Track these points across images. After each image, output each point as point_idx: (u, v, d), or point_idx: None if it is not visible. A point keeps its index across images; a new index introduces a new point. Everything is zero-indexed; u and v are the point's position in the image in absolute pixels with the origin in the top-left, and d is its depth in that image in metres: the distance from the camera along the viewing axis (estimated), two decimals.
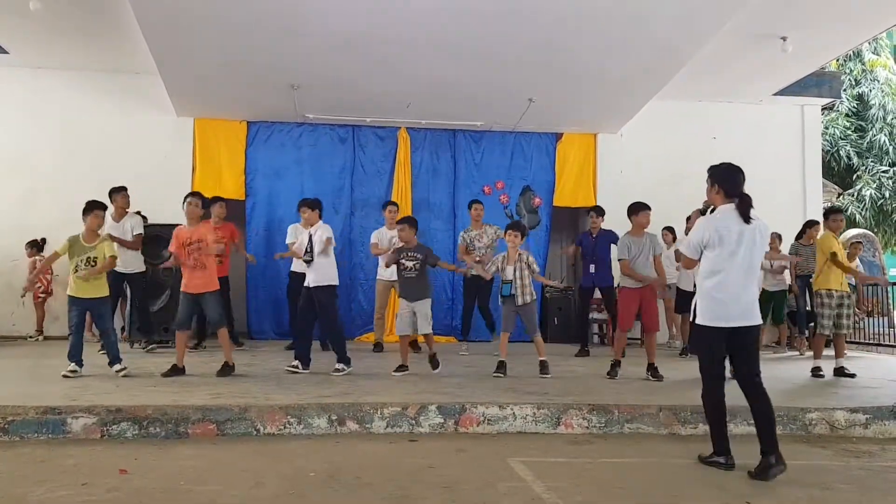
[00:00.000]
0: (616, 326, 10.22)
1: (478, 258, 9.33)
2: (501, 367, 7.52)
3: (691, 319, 4.77)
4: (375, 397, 5.79)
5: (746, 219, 4.52)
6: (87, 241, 7.06)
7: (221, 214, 9.69)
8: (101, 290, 7.12)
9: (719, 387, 4.60)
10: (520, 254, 7.66)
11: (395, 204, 10.31)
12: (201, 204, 7.60)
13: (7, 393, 5.74)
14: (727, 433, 4.61)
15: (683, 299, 10.27)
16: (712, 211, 4.80)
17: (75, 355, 6.90)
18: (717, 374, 4.63)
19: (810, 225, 10.63)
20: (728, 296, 4.52)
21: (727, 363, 4.67)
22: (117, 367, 6.99)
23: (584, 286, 10.12)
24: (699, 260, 4.70)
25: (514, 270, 7.57)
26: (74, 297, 6.98)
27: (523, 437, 5.48)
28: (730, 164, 4.72)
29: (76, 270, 6.96)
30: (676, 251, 10.01)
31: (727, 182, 4.65)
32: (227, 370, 7.12)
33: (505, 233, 7.85)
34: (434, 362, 7.60)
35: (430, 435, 5.43)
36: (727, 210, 4.60)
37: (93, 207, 7.16)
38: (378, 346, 9.90)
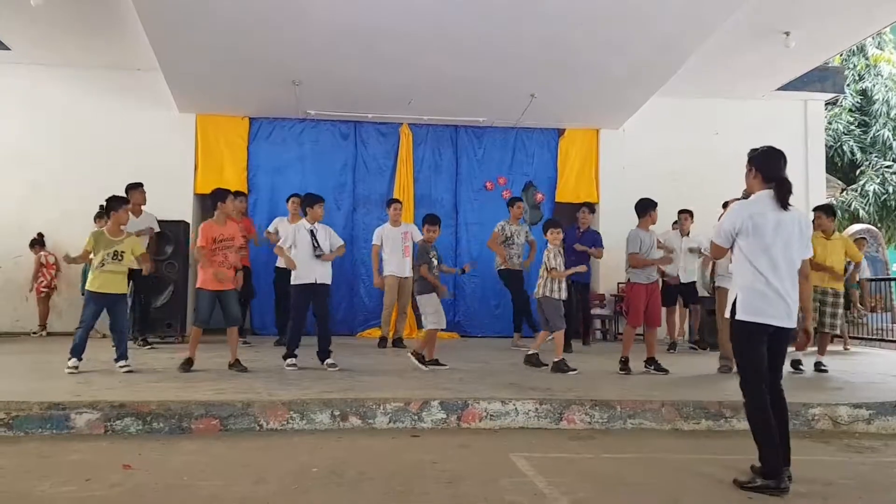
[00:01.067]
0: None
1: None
2: (566, 363, 7.52)
3: (729, 315, 4.26)
4: (378, 393, 5.80)
5: (784, 205, 4.15)
6: (112, 235, 7.08)
7: (242, 209, 9.83)
8: (122, 286, 7.15)
9: (766, 395, 4.11)
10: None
11: (399, 202, 10.36)
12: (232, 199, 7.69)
13: (11, 388, 5.76)
14: (778, 450, 4.03)
15: (669, 291, 10.27)
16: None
17: (79, 351, 6.91)
18: (762, 378, 4.14)
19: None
20: (772, 291, 4.11)
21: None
22: (123, 363, 6.99)
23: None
24: (730, 249, 4.32)
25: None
26: (97, 293, 6.96)
27: (526, 432, 5.48)
28: (770, 147, 4.37)
29: (102, 265, 6.95)
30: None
31: (765, 166, 4.28)
32: (241, 367, 7.17)
33: (546, 231, 7.89)
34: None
35: (432, 430, 5.44)
36: (763, 196, 4.23)
37: (122, 203, 7.23)
38: (383, 342, 9.89)
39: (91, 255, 7.02)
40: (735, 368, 7.63)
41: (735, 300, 4.22)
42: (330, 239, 7.67)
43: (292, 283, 7.56)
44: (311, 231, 7.52)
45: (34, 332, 10.97)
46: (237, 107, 11.67)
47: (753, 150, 4.40)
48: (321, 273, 7.51)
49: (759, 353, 4.15)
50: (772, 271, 4.12)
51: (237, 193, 10.14)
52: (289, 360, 7.39)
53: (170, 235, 9.85)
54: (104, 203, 7.40)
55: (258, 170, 12.04)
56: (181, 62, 9.84)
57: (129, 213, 7.57)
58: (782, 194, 4.17)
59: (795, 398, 5.98)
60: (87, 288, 7.03)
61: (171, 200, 10.88)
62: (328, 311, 7.74)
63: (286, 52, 9.38)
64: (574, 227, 10.19)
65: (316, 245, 7.46)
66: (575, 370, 7.41)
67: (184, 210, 11.20)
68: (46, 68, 11.51)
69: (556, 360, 7.55)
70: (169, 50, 9.40)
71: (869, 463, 4.79)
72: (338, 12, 8.34)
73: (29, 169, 11.38)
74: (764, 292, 4.12)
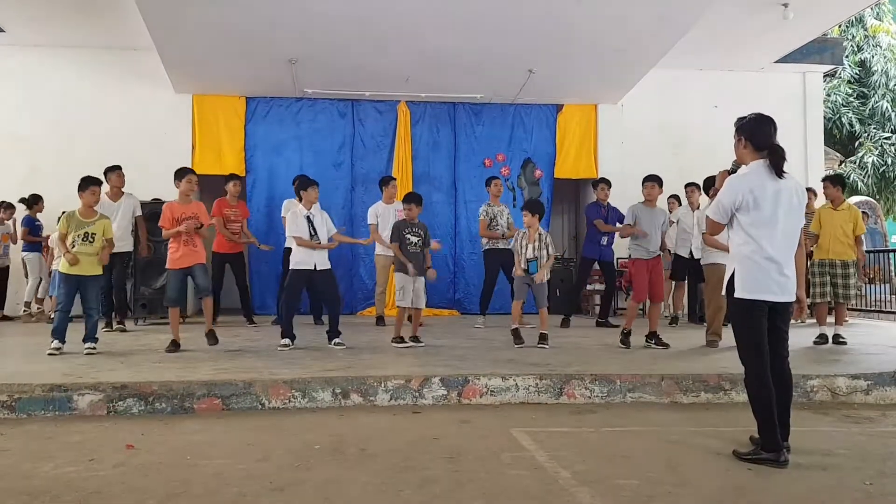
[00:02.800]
0: (610, 297, 10.37)
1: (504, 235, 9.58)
2: (518, 334, 7.63)
3: (725, 293, 4.22)
4: (379, 370, 5.83)
5: (779, 173, 4.02)
6: (84, 216, 7.08)
7: (236, 192, 9.81)
8: (95, 268, 7.11)
9: (767, 371, 4.03)
10: (539, 233, 7.71)
11: (395, 179, 10.35)
12: (196, 181, 7.64)
13: (13, 370, 5.79)
14: (777, 424, 3.98)
15: (679, 266, 10.24)
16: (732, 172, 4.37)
17: (60, 333, 6.90)
18: (762, 352, 4.05)
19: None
20: (772, 265, 4.03)
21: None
22: (89, 345, 6.98)
23: (589, 257, 10.09)
24: (727, 226, 4.20)
25: (536, 249, 7.62)
26: (67, 275, 6.96)
27: (526, 407, 5.51)
28: (758, 115, 4.19)
29: (73, 246, 6.95)
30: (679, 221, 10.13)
31: (755, 134, 4.12)
32: (213, 338, 7.22)
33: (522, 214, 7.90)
34: (417, 339, 7.64)
35: (433, 407, 5.47)
36: (758, 166, 4.08)
37: (88, 184, 7.18)
38: (380, 321, 9.95)
39: (63, 234, 7.02)
40: (720, 343, 7.75)
41: (732, 275, 4.15)
42: (326, 225, 7.65)
43: (290, 266, 7.56)
44: (308, 217, 7.51)
45: (31, 314, 10.94)
46: (234, 86, 11.61)
47: (741, 119, 4.25)
48: (320, 259, 7.51)
49: (758, 328, 4.07)
50: (770, 244, 4.02)
51: (232, 176, 10.12)
52: (282, 342, 7.36)
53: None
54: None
55: (256, 150, 12.01)
56: (176, 41, 9.77)
57: (104, 195, 7.52)
58: (776, 162, 4.04)
59: (794, 370, 5.92)
60: (59, 270, 7.05)
61: (169, 181, 10.80)
62: (337, 293, 7.76)
63: (282, 30, 9.31)
64: (597, 204, 10.08)
65: (312, 233, 7.46)
66: (520, 344, 7.50)
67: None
68: (41, 49, 11.46)
69: (514, 326, 7.75)
70: (164, 29, 9.33)
71: (867, 433, 4.82)
72: None
73: (26, 151, 11.36)
74: (762, 266, 4.03)
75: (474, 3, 8.58)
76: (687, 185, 10.25)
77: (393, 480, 3.67)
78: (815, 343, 7.93)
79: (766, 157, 4.07)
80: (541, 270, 7.58)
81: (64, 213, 7.23)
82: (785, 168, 4.08)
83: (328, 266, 7.62)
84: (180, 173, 7.58)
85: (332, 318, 7.66)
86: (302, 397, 5.40)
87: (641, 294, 7.74)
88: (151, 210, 9.61)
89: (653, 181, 7.84)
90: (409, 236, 7.62)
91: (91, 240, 7.02)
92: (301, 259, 7.48)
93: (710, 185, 7.95)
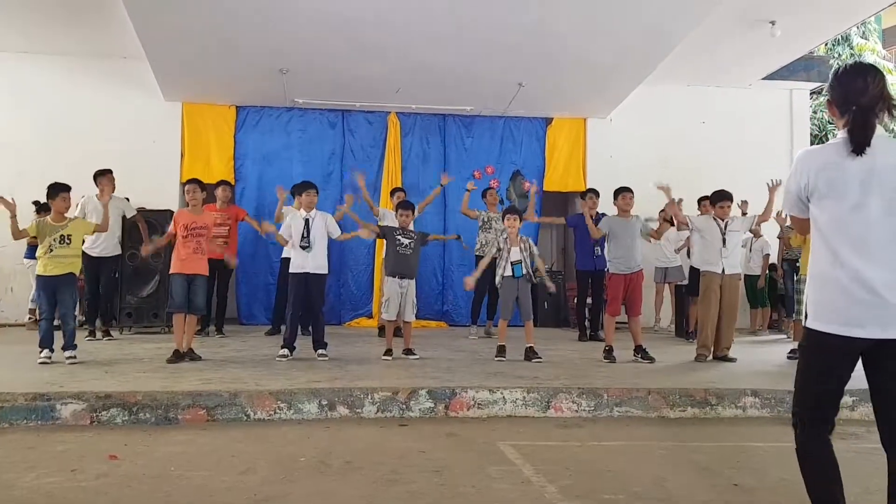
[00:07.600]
0: (599, 310, 10.35)
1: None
2: (502, 351, 7.59)
3: (803, 320, 2.91)
4: (366, 382, 5.80)
5: (858, 147, 2.63)
6: (55, 221, 7.00)
7: (225, 198, 9.77)
8: (71, 266, 7.02)
9: (822, 433, 2.82)
10: (521, 238, 7.72)
11: (401, 189, 10.39)
12: (201, 189, 7.62)
13: None
14: None
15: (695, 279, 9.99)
16: None
17: (48, 342, 6.84)
18: (823, 412, 2.86)
19: None
20: (859, 283, 2.62)
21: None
22: (70, 353, 6.87)
23: (584, 269, 10.03)
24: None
25: (521, 252, 7.62)
26: (44, 277, 6.87)
27: (513, 420, 5.51)
28: (851, 64, 2.80)
29: (51, 250, 6.88)
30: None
31: (841, 91, 2.75)
32: (194, 355, 7.17)
33: (503, 218, 7.88)
34: (410, 351, 7.61)
35: (420, 419, 5.45)
36: (839, 139, 2.74)
37: (58, 191, 7.08)
38: (382, 331, 9.86)
39: (30, 236, 7.04)
40: (710, 356, 7.77)
41: (807, 299, 2.87)
42: (327, 228, 7.61)
43: (290, 270, 7.58)
44: (306, 220, 7.49)
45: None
46: (224, 95, 11.60)
47: (834, 72, 2.87)
48: (314, 264, 7.47)
49: (822, 372, 2.85)
50: (857, 252, 2.65)
51: (220, 182, 10.10)
52: (280, 352, 7.32)
53: (156, 224, 9.76)
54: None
55: (245, 159, 11.98)
56: (166, 49, 9.76)
57: (94, 196, 7.47)
58: (857, 132, 2.65)
59: (778, 385, 6.03)
60: (37, 274, 6.99)
61: (158, 189, 10.82)
62: (321, 302, 7.72)
63: (273, 39, 9.31)
64: (582, 216, 9.97)
65: (304, 236, 7.43)
66: (501, 358, 7.48)
67: (170, 199, 11.11)
68: (31, 56, 11.39)
69: (500, 343, 7.73)
70: (154, 37, 9.31)
71: (853, 449, 4.82)
72: (325, 0, 8.30)
73: (14, 158, 11.26)
74: (845, 286, 2.66)
75: (465, 17, 8.62)
76: (700, 200, 9.96)
77: (379, 494, 3.65)
78: (789, 357, 7.90)
79: (848, 122, 2.71)
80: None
81: (33, 221, 7.17)
82: (875, 142, 2.66)
83: (322, 272, 7.60)
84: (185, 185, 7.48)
85: (314, 326, 7.64)
86: (288, 409, 5.37)
87: (615, 308, 7.80)
88: (144, 218, 9.56)
89: (628, 191, 7.96)
90: (399, 238, 7.59)
91: (68, 241, 6.95)
92: (296, 263, 7.49)
93: (719, 198, 8.02)
